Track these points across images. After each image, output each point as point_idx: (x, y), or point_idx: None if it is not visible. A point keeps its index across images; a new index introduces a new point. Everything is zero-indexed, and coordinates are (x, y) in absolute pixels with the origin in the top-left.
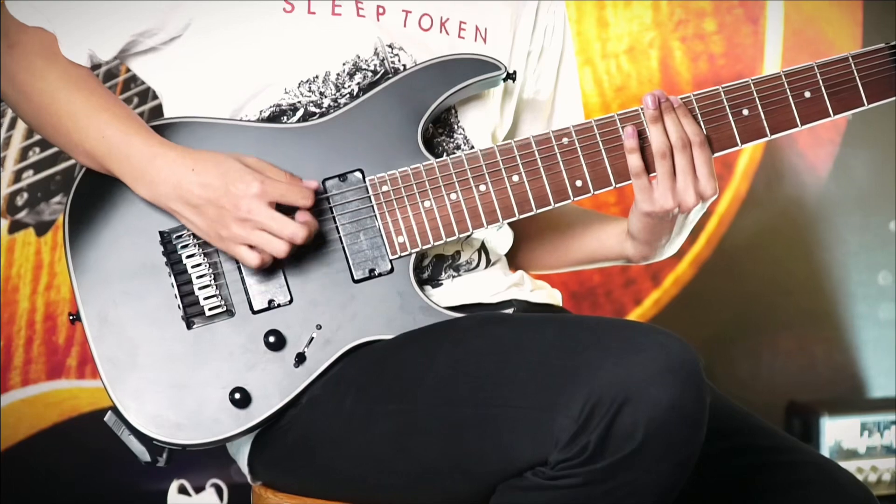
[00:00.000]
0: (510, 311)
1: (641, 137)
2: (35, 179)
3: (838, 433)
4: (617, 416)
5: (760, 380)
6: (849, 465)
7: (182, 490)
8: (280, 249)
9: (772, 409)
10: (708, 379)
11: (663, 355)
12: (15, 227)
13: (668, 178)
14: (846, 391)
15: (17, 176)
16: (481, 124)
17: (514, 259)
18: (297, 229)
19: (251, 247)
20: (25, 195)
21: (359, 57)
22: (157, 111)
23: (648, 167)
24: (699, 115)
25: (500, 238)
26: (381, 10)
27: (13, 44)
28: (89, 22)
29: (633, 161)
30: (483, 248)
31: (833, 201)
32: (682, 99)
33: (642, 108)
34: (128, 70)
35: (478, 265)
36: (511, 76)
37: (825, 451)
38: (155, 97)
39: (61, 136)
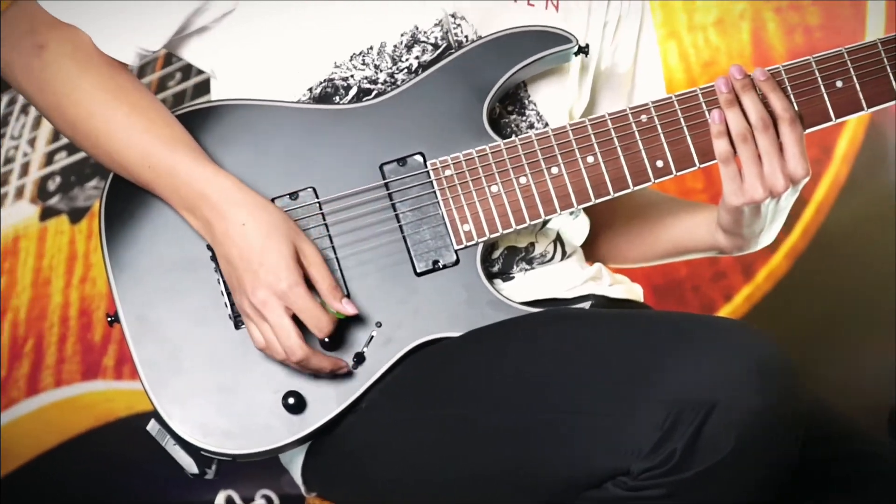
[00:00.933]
0: (586, 306)
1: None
2: (69, 162)
3: None
4: (705, 422)
5: (862, 382)
6: None
7: (229, 502)
8: (277, 354)
9: (874, 415)
10: (804, 381)
11: (755, 356)
12: (46, 213)
13: (754, 164)
14: None
15: (49, 158)
16: (556, 101)
17: (592, 251)
18: (296, 348)
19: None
20: (58, 179)
21: (417, 28)
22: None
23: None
24: (789, 89)
25: (575, 227)
26: None
27: (43, 44)
28: (135, 12)
29: (721, 146)
30: (558, 239)
31: None
32: (770, 71)
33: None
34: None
35: (552, 257)
36: (584, 50)
37: None
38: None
39: (101, 155)
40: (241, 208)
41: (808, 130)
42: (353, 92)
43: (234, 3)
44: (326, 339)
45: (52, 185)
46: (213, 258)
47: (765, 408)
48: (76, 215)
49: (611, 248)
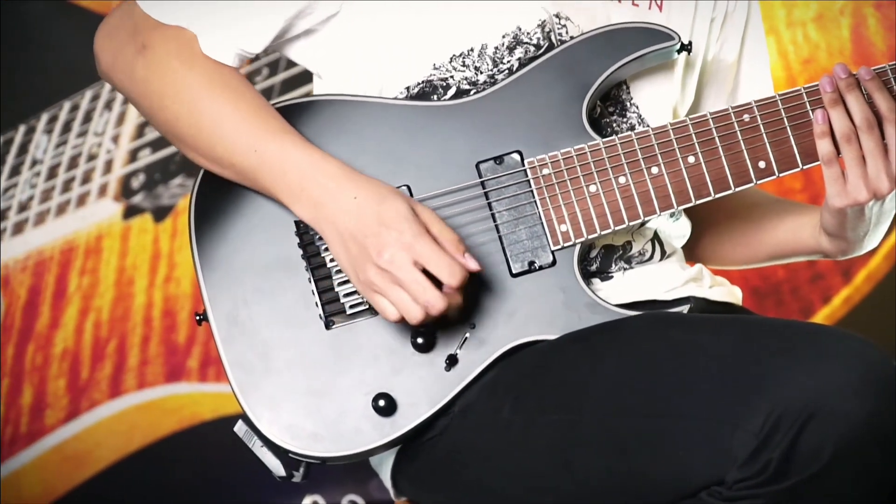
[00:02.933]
0: (685, 308)
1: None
2: (153, 159)
3: None
4: (802, 431)
5: None
6: None
7: None
8: (415, 316)
9: None
10: None
11: (857, 364)
12: (130, 212)
13: (858, 165)
14: None
15: (133, 155)
16: (659, 100)
17: (694, 252)
18: (435, 300)
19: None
20: (142, 177)
21: (520, 29)
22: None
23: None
24: (895, 89)
25: (676, 228)
26: None
27: (146, 45)
28: (236, 15)
29: (824, 147)
30: (656, 239)
31: None
32: (875, 70)
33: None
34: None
35: (651, 256)
36: (686, 47)
37: None
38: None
39: (203, 148)
40: (350, 183)
41: None
42: (451, 92)
43: (339, 4)
44: (420, 341)
45: (135, 183)
46: (305, 256)
47: (865, 417)
48: (160, 214)
49: (715, 250)
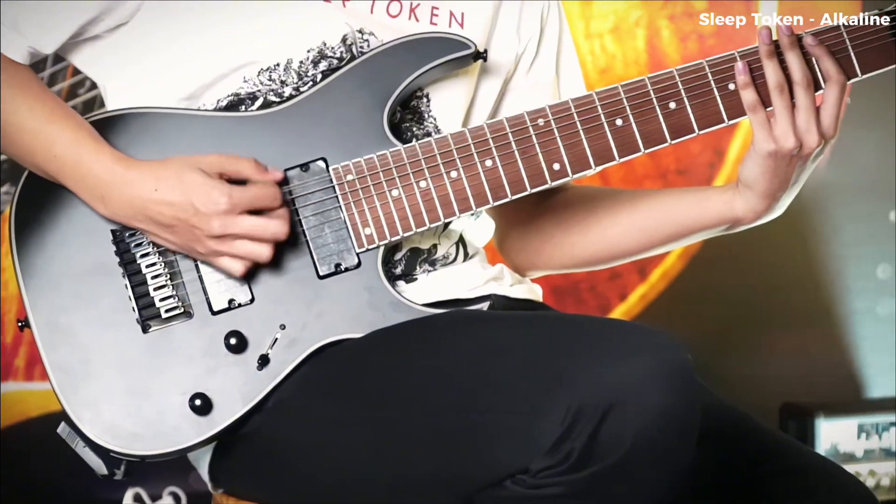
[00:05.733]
0: (486, 305)
1: (754, 74)
2: None
3: (834, 435)
4: (603, 421)
5: (754, 380)
6: (847, 470)
7: (137, 499)
8: (264, 254)
9: (766, 411)
10: (700, 381)
11: (653, 357)
12: None
13: (788, 115)
14: (843, 391)
15: None
16: (456, 107)
17: (527, 257)
18: (278, 227)
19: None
20: None
21: (325, 44)
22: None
23: (764, 102)
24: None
25: (478, 229)
26: None
27: None
28: (29, 13)
29: (748, 95)
30: (461, 241)
31: (831, 191)
32: (829, 27)
33: (757, 45)
34: (74, 74)
35: (455, 259)
36: (482, 55)
37: None
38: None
39: (5, 146)
40: (145, 177)
41: (704, 131)
42: (258, 103)
43: (130, 15)
44: (232, 342)
45: None
46: (122, 263)
47: (662, 409)
48: None
49: (552, 253)
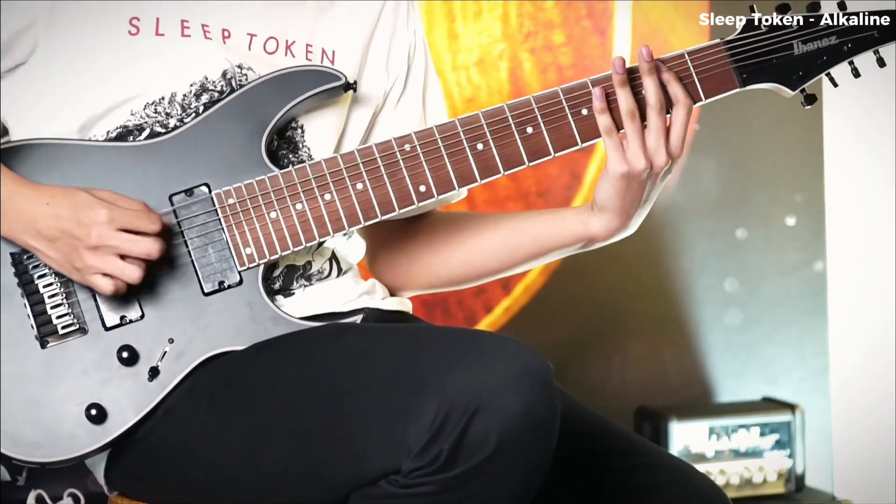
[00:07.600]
0: (359, 318)
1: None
2: None
3: (686, 437)
4: (469, 424)
5: (611, 385)
6: (697, 469)
7: (40, 500)
8: (133, 275)
9: (622, 415)
10: (559, 386)
11: (514, 364)
12: None
13: (639, 138)
14: (694, 396)
15: None
16: (328, 134)
17: (400, 280)
18: (149, 244)
19: (105, 275)
20: None
21: (206, 78)
22: None
23: (618, 126)
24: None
25: (350, 247)
26: (226, 34)
27: None
28: None
29: (604, 120)
30: (334, 258)
31: (681, 209)
32: (674, 55)
33: (611, 73)
34: None
35: (329, 274)
36: (352, 86)
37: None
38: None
39: None
40: (40, 193)
41: (559, 153)
42: (145, 133)
43: (28, 55)
44: (125, 355)
45: None
46: (20, 284)
47: (523, 411)
48: None
49: (420, 272)
